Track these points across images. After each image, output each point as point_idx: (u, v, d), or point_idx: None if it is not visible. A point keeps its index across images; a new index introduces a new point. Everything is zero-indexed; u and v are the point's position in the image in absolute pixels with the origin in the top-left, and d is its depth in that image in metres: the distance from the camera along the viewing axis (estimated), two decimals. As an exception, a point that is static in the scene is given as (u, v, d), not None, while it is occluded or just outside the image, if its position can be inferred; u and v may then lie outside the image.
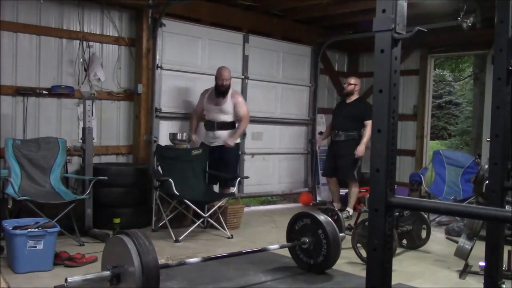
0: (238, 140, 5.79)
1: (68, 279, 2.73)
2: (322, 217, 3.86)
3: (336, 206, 6.35)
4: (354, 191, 6.42)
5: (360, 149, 6.19)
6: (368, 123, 6.17)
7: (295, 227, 4.00)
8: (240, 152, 6.13)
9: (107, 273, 2.84)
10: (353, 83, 6.43)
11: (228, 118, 5.63)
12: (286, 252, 4.22)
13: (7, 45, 4.89)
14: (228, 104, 5.60)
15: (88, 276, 2.82)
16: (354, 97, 6.43)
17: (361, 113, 6.18)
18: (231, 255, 3.67)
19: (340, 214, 4.84)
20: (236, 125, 5.68)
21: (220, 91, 5.57)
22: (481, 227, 3.84)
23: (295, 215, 4.10)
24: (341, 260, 3.99)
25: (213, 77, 5.69)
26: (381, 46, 1.51)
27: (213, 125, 5.61)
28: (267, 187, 7.02)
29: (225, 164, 5.58)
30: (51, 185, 4.86)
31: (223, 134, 5.61)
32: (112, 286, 2.86)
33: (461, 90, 20.16)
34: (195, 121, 5.89)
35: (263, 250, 3.82)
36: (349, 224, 5.16)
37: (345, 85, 6.53)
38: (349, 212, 6.35)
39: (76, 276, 2.81)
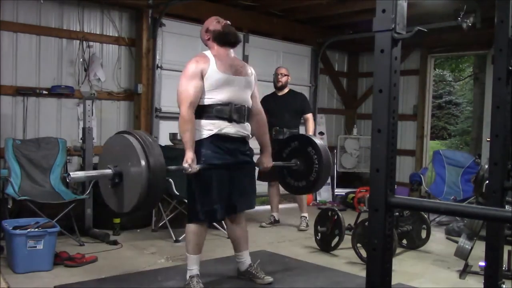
0: None
1: (70, 173, 2.72)
2: (317, 141, 3.79)
3: (276, 215, 5.77)
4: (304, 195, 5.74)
5: None
6: (309, 117, 5.65)
7: (285, 149, 3.90)
8: None
9: (108, 171, 2.80)
10: (286, 74, 5.72)
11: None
12: (286, 252, 4.22)
13: (7, 45, 4.89)
14: None
15: (91, 173, 2.78)
16: (287, 89, 5.75)
17: (301, 107, 5.64)
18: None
19: (340, 214, 4.83)
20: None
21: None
22: (481, 227, 3.84)
23: (287, 137, 4.07)
24: (341, 260, 3.99)
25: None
26: (381, 46, 1.51)
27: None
28: (267, 187, 7.02)
29: None
30: (51, 185, 4.86)
31: None
32: (114, 186, 2.83)
33: (461, 90, 20.17)
34: None
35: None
36: (349, 224, 5.16)
37: (279, 77, 5.66)
38: (306, 218, 5.65)
39: (79, 172, 2.76)
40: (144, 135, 2.85)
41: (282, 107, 5.53)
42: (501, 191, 2.21)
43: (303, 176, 3.79)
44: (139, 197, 2.69)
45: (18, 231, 3.71)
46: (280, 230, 5.52)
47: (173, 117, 5.92)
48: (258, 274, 3.60)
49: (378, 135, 1.51)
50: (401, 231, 4.67)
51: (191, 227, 3.38)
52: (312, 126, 5.61)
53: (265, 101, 5.54)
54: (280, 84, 5.64)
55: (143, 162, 2.69)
